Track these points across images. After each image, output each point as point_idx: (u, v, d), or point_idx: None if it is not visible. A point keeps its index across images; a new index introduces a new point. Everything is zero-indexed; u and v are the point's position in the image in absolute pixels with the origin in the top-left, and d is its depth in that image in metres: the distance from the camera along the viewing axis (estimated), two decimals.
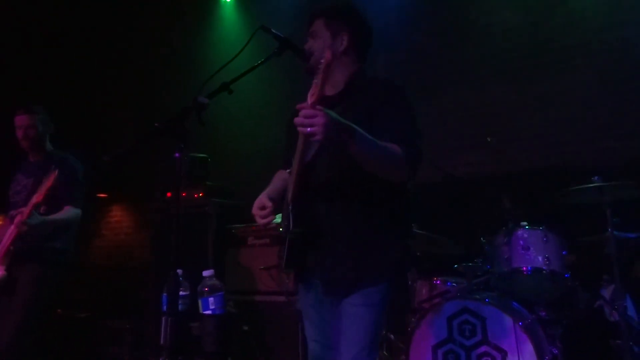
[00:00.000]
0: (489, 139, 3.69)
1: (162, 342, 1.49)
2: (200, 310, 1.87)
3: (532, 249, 2.89)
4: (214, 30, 6.00)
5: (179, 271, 1.59)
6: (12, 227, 2.88)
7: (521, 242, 2.93)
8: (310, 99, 1.62)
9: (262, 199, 1.91)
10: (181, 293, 1.80)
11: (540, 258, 2.86)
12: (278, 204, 1.94)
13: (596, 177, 2.82)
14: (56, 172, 2.76)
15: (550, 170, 4.02)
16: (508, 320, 2.70)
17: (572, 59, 4.16)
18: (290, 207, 1.77)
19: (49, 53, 6.16)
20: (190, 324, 1.85)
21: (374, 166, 1.72)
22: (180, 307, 1.64)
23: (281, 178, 2.09)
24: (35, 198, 2.79)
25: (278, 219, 4.21)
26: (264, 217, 1.86)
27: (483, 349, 2.73)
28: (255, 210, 1.89)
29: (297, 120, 1.57)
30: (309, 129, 1.54)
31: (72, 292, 5.21)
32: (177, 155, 1.65)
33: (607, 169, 3.10)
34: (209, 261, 3.99)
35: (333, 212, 1.81)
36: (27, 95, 4.43)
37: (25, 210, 2.82)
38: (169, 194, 4.49)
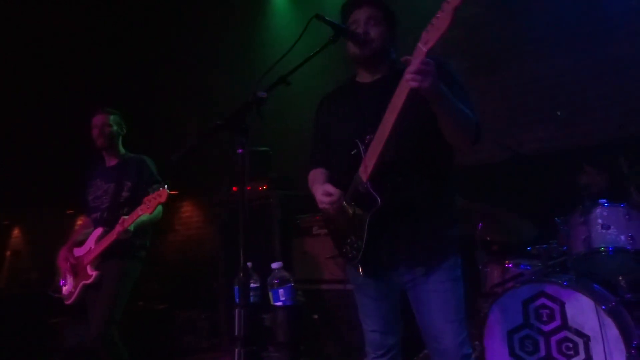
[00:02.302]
0: (558, 113, 3.49)
1: (236, 333, 1.53)
2: (271, 302, 1.90)
3: (613, 228, 2.71)
4: (268, 24, 6.05)
5: (249, 264, 1.62)
6: (113, 234, 3.03)
7: (600, 220, 2.75)
8: (424, 47, 1.59)
9: (327, 186, 1.91)
10: (252, 285, 1.83)
11: (622, 237, 2.68)
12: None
13: None
14: (166, 190, 2.89)
15: (628, 142, 3.75)
16: (589, 303, 2.55)
17: None
18: (369, 185, 1.77)
19: (112, 56, 6.44)
20: (262, 315, 1.88)
21: (453, 126, 1.77)
22: (251, 299, 1.67)
23: (324, 175, 2.09)
24: (143, 210, 2.93)
25: None
26: (332, 203, 1.86)
27: (563, 334, 2.60)
28: (321, 197, 1.89)
29: (410, 69, 1.58)
30: (417, 82, 1.56)
31: (150, 285, 5.49)
32: (239, 150, 1.66)
33: None
34: (276, 252, 4.05)
35: (412, 186, 1.85)
36: (91, 98, 4.65)
37: (129, 220, 2.97)
38: (234, 188, 4.59)
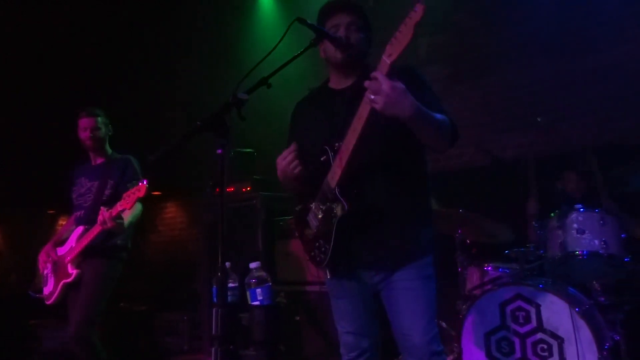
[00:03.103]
0: (539, 119, 3.56)
1: (213, 332, 1.54)
2: (249, 302, 1.91)
3: (587, 233, 2.77)
4: (253, 27, 6.06)
5: (227, 263, 1.63)
6: (95, 228, 2.98)
7: (575, 225, 2.81)
8: (388, 59, 1.63)
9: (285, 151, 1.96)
10: (230, 285, 1.84)
11: (596, 242, 2.74)
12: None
13: None
14: (145, 182, 2.85)
15: (605, 148, 3.83)
16: (564, 306, 2.60)
17: (624, 30, 3.94)
18: (337, 191, 1.81)
19: (96, 56, 6.40)
20: (240, 314, 1.89)
21: (429, 137, 1.82)
22: (229, 298, 1.69)
23: None
24: (122, 205, 2.88)
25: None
26: (283, 158, 1.92)
27: (538, 336, 2.64)
28: (280, 162, 1.95)
29: (370, 86, 1.63)
30: (373, 96, 1.62)
31: (131, 286, 5.45)
32: (219, 151, 1.67)
33: None
34: (259, 254, 4.06)
35: (379, 190, 1.87)
36: (73, 98, 4.62)
37: (113, 211, 2.91)
38: (217, 190, 4.59)
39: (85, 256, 3.11)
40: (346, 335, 2.01)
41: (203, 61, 6.50)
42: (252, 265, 2.03)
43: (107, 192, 3.21)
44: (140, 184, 2.86)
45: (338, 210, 1.80)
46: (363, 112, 1.72)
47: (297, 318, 3.72)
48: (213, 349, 1.57)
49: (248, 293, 1.90)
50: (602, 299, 2.78)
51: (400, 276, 1.88)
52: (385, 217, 1.87)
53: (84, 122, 3.31)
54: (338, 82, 2.06)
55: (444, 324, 3.40)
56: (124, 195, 2.90)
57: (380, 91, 1.62)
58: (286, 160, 1.92)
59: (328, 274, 1.92)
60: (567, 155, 3.90)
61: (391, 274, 1.89)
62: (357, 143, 1.75)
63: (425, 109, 1.74)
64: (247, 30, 6.11)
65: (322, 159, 1.89)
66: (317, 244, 1.92)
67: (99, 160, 3.36)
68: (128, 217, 3.06)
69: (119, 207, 2.90)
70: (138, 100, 6.84)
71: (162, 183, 6.48)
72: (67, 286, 3.13)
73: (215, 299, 1.59)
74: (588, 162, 3.04)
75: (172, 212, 6.96)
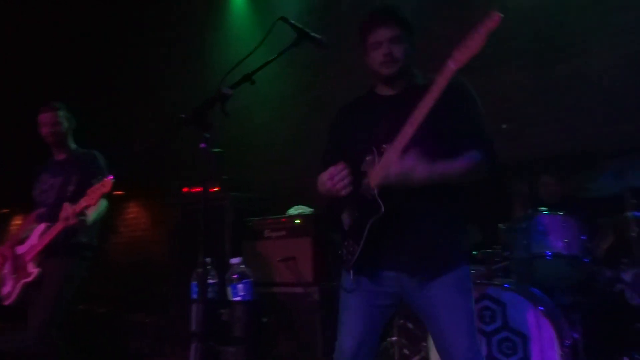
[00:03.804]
0: (503, 126, 3.68)
1: (192, 328, 1.52)
2: (230, 297, 1.89)
3: (551, 234, 2.89)
4: (226, 24, 6.02)
5: (208, 259, 1.62)
6: (58, 225, 2.90)
7: (540, 227, 2.93)
8: (454, 65, 1.66)
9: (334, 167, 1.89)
10: (210, 281, 1.82)
11: (559, 243, 2.86)
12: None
13: (615, 161, 2.82)
14: (111, 178, 2.79)
15: (567, 156, 4.00)
16: (528, 305, 2.70)
17: (590, 41, 4.11)
18: (376, 192, 1.80)
19: (67, 51, 6.22)
20: (219, 310, 1.87)
21: (458, 181, 1.85)
22: (209, 294, 1.67)
23: None
24: (87, 202, 2.81)
25: (292, 210, 4.20)
26: (332, 178, 1.85)
27: (503, 334, 2.73)
28: (326, 181, 1.88)
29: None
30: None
31: (91, 287, 5.29)
32: (202, 145, 1.67)
33: (626, 153, 3.09)
34: (227, 254, 4.02)
35: (419, 196, 1.84)
36: (44, 93, 4.48)
37: (76, 207, 2.84)
38: (185, 189, 4.53)
39: (47, 254, 3.01)
40: (350, 338, 1.94)
41: (174, 58, 6.40)
42: (234, 260, 2.02)
43: (70, 188, 3.12)
44: (105, 179, 2.80)
45: (374, 212, 1.79)
46: (417, 117, 1.71)
47: (264, 320, 3.70)
48: (193, 346, 1.56)
49: (229, 288, 1.88)
50: (564, 298, 2.90)
51: (440, 287, 1.84)
52: (423, 222, 1.86)
53: (43, 118, 3.22)
54: (385, 90, 2.03)
55: (411, 325, 3.46)
56: (88, 191, 2.83)
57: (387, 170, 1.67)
58: (337, 183, 1.85)
59: (352, 274, 1.89)
60: (533, 162, 4.05)
61: (427, 282, 1.85)
62: (405, 147, 1.74)
63: (443, 166, 1.75)
64: (219, 27, 6.06)
65: (367, 158, 1.87)
66: (346, 242, 1.90)
67: (62, 156, 3.27)
68: (92, 213, 2.98)
69: (82, 203, 2.82)
70: (108, 97, 6.68)
71: (125, 183, 6.36)
72: (28, 286, 3.01)
73: (194, 295, 1.57)
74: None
75: (134, 213, 6.79)
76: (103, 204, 3.05)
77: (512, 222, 3.09)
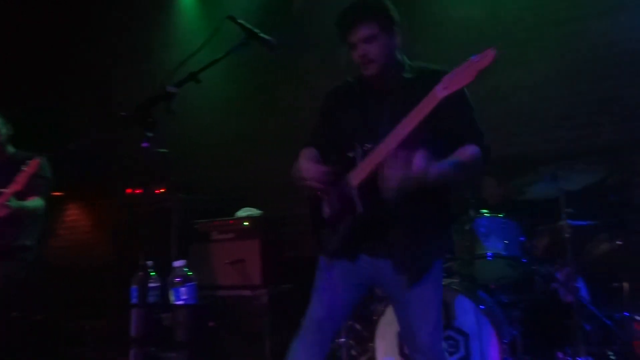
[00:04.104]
0: None
1: (132, 334, 1.47)
2: (172, 301, 1.84)
3: (492, 236, 3.00)
4: (174, 22, 5.88)
5: (149, 262, 1.57)
6: None
7: (482, 229, 3.03)
8: (441, 92, 1.64)
9: (307, 163, 1.90)
10: (151, 285, 1.77)
11: (499, 244, 2.97)
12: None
13: (551, 166, 2.95)
14: (39, 160, 2.77)
15: (505, 161, 4.16)
16: (470, 304, 2.79)
17: (527, 52, 4.32)
18: (356, 192, 1.78)
19: (7, 48, 5.89)
20: (161, 315, 1.82)
21: (464, 180, 1.89)
22: (150, 298, 1.62)
23: (313, 154, 2.03)
24: (15, 187, 2.77)
25: (241, 212, 4.15)
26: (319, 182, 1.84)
27: (447, 333, 2.80)
28: (309, 173, 1.86)
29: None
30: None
31: (27, 293, 5.02)
32: (145, 145, 1.61)
33: (560, 159, 3.24)
34: (172, 257, 3.92)
35: (400, 201, 1.81)
36: None
37: (3, 196, 2.79)
38: (128, 190, 4.39)
39: None
40: (320, 308, 1.95)
41: (120, 55, 6.19)
42: (176, 263, 1.96)
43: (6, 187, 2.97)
44: (30, 161, 2.77)
45: (352, 210, 1.79)
46: (409, 123, 1.68)
47: (211, 324, 3.64)
48: (131, 351, 1.50)
49: (171, 292, 1.83)
50: (503, 297, 3.01)
51: (418, 283, 1.88)
52: (401, 225, 1.85)
53: None
54: (381, 85, 1.98)
55: (358, 326, 3.50)
56: (16, 178, 2.78)
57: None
58: (311, 182, 1.85)
59: (327, 260, 1.93)
60: None
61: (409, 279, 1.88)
62: (391, 153, 1.72)
63: (454, 163, 1.76)
64: (167, 25, 5.90)
65: (350, 155, 1.85)
66: (324, 230, 1.92)
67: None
68: (27, 203, 2.94)
69: (9, 190, 2.77)
70: (49, 95, 6.38)
71: (64, 184, 6.09)
72: None
73: (134, 300, 1.52)
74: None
75: (73, 215, 6.51)
76: (38, 202, 2.97)
77: (455, 224, 3.17)
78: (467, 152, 1.83)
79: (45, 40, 6.18)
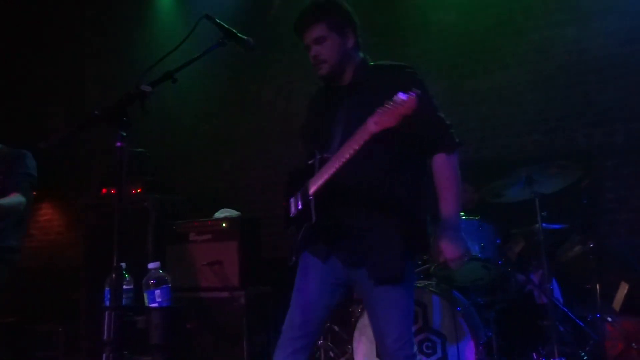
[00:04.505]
0: None
1: (105, 337, 1.44)
2: (146, 303, 1.82)
3: (468, 239, 3.01)
4: (151, 20, 5.80)
5: (123, 264, 1.54)
6: None
7: None
8: (372, 127, 1.59)
9: None
10: (125, 287, 1.74)
11: (476, 247, 3.00)
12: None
13: (525, 169, 3.00)
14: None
15: (482, 163, 4.22)
16: (447, 306, 2.81)
17: (503, 58, 4.39)
18: (312, 201, 1.78)
19: None
20: (135, 317, 1.79)
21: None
22: (124, 300, 1.59)
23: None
24: None
25: (219, 213, 4.10)
26: None
27: (424, 335, 2.82)
28: None
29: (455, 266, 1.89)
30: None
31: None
32: (118, 144, 1.58)
33: (535, 161, 3.30)
34: (149, 258, 3.86)
35: (355, 214, 1.84)
36: None
37: None
38: (104, 190, 4.30)
39: None
40: (298, 309, 1.93)
41: (95, 53, 6.08)
42: (151, 265, 1.93)
43: None
44: None
45: (306, 218, 1.79)
46: (361, 137, 1.64)
47: (188, 326, 3.60)
48: (104, 355, 1.47)
49: (145, 294, 1.80)
50: (479, 298, 3.04)
51: (388, 286, 1.85)
52: (357, 232, 1.84)
53: None
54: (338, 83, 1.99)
55: (336, 328, 3.50)
56: None
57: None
58: None
59: (294, 258, 1.93)
60: None
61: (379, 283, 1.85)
62: (345, 163, 1.70)
63: (454, 211, 1.90)
64: (143, 23, 5.82)
65: (309, 162, 1.86)
66: (292, 227, 1.92)
67: None
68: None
69: None
70: (21, 92, 6.22)
71: (37, 182, 5.94)
72: None
73: (107, 302, 1.49)
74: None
75: (47, 215, 6.36)
76: (15, 199, 2.92)
77: (432, 226, 3.19)
78: (447, 174, 1.88)
79: (17, 35, 6.04)
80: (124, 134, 1.60)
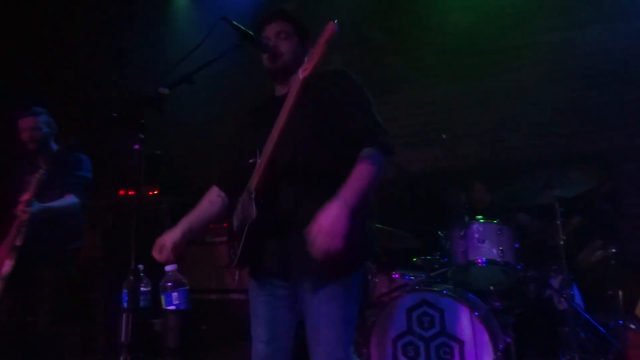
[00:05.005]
0: (444, 136, 3.79)
1: (122, 339, 1.43)
2: (163, 306, 1.82)
3: (487, 242, 2.98)
4: (168, 21, 5.85)
5: (140, 266, 1.54)
6: (18, 213, 2.97)
7: (476, 235, 3.01)
8: (301, 74, 1.62)
9: (162, 238, 1.99)
10: (142, 289, 1.74)
11: (494, 250, 2.96)
12: (197, 233, 2.07)
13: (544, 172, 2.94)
14: (40, 171, 2.91)
15: (498, 165, 4.17)
16: (465, 311, 2.76)
17: (520, 58, 4.34)
18: (253, 196, 1.77)
19: None
20: (152, 320, 1.79)
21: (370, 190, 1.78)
22: (141, 303, 1.59)
23: (210, 200, 2.13)
24: (25, 196, 2.91)
25: None
26: (161, 259, 1.94)
27: (441, 339, 2.78)
28: (154, 252, 1.95)
29: (321, 244, 1.58)
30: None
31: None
32: (136, 147, 1.58)
33: (553, 165, 3.24)
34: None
35: (293, 201, 1.82)
36: None
37: (30, 188, 2.93)
38: (121, 192, 4.33)
39: (42, 260, 3.05)
40: (261, 344, 1.90)
41: (111, 55, 6.13)
42: (168, 268, 1.93)
43: (57, 190, 3.13)
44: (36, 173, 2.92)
45: (250, 216, 1.77)
46: (281, 117, 1.70)
47: (204, 327, 3.60)
48: (121, 357, 1.47)
49: (163, 297, 1.80)
50: (497, 303, 2.99)
51: (321, 296, 1.78)
52: (296, 229, 1.75)
53: (23, 123, 3.26)
54: (279, 90, 2.02)
55: None
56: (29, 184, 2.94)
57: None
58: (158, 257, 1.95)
59: (236, 276, 1.89)
60: (467, 170, 4.20)
61: (310, 289, 1.80)
62: (274, 149, 1.72)
63: (349, 188, 1.68)
64: (160, 24, 5.86)
65: (250, 161, 1.85)
66: (234, 242, 1.88)
67: (44, 159, 3.20)
68: (53, 203, 3.05)
69: (24, 197, 2.91)
70: (36, 97, 6.29)
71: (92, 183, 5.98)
72: (4, 278, 3.00)
73: (125, 304, 1.48)
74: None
75: None
76: (69, 201, 3.09)
77: (449, 230, 3.16)
78: (364, 164, 1.76)
79: (34, 39, 6.11)
80: (142, 136, 1.60)
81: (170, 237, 1.99)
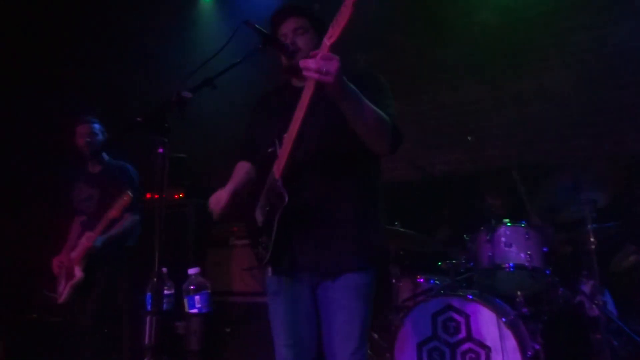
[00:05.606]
0: (469, 138, 3.72)
1: (146, 342, 1.44)
2: (186, 309, 1.83)
3: (514, 246, 2.91)
4: (192, 25, 5.91)
5: (164, 269, 1.54)
6: (84, 240, 3.23)
7: (503, 239, 2.94)
8: (328, 41, 1.58)
9: (218, 192, 2.00)
10: (166, 292, 1.75)
11: (522, 255, 2.89)
12: (240, 198, 2.02)
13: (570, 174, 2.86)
14: (129, 194, 3.09)
15: (525, 168, 4.07)
16: (491, 316, 2.71)
17: (547, 59, 4.24)
18: (280, 182, 1.76)
19: (17, 47, 5.96)
20: (175, 323, 1.80)
21: (363, 125, 1.74)
22: (164, 306, 1.60)
23: (244, 170, 2.13)
24: (112, 214, 3.12)
25: None
26: (217, 208, 1.96)
27: (467, 345, 2.73)
28: (211, 204, 1.99)
29: (309, 63, 1.54)
30: (318, 75, 1.53)
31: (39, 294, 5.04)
32: (160, 150, 1.59)
33: (579, 167, 3.15)
34: (189, 262, 3.90)
35: (320, 185, 1.83)
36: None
37: (99, 226, 3.18)
38: (148, 195, 4.39)
39: (98, 262, 3.26)
40: (284, 348, 1.90)
41: (134, 59, 6.22)
42: (191, 271, 1.93)
43: (108, 200, 3.30)
44: (125, 194, 3.10)
45: (281, 203, 1.75)
46: (305, 97, 1.68)
47: (227, 330, 3.60)
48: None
49: (186, 300, 1.81)
50: (525, 309, 2.91)
51: (339, 287, 1.82)
52: (324, 215, 1.81)
53: (80, 129, 3.44)
54: (298, 82, 2.02)
55: (376, 336, 3.43)
56: (114, 204, 3.12)
57: (321, 65, 1.56)
58: (212, 208, 1.98)
59: (270, 272, 1.87)
60: (491, 174, 4.11)
61: (331, 281, 1.83)
62: (298, 132, 1.71)
63: (362, 97, 1.69)
64: (184, 28, 5.93)
65: (269, 150, 1.86)
66: (261, 239, 1.87)
67: (97, 168, 3.48)
68: (116, 231, 3.29)
69: (109, 215, 3.13)
70: (59, 98, 6.42)
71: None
72: (73, 287, 3.27)
73: (149, 307, 1.49)
74: (514, 180, 3.21)
75: None
76: (129, 222, 3.33)
77: (476, 233, 3.10)
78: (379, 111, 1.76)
79: (59, 43, 6.23)
80: (165, 140, 1.61)
81: (225, 191, 2.01)
